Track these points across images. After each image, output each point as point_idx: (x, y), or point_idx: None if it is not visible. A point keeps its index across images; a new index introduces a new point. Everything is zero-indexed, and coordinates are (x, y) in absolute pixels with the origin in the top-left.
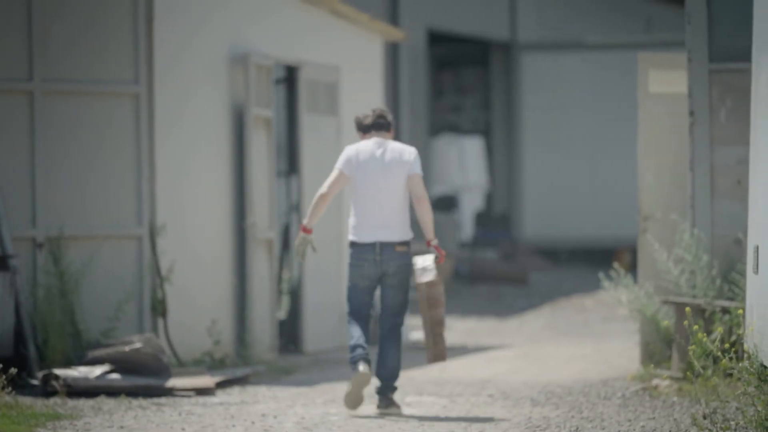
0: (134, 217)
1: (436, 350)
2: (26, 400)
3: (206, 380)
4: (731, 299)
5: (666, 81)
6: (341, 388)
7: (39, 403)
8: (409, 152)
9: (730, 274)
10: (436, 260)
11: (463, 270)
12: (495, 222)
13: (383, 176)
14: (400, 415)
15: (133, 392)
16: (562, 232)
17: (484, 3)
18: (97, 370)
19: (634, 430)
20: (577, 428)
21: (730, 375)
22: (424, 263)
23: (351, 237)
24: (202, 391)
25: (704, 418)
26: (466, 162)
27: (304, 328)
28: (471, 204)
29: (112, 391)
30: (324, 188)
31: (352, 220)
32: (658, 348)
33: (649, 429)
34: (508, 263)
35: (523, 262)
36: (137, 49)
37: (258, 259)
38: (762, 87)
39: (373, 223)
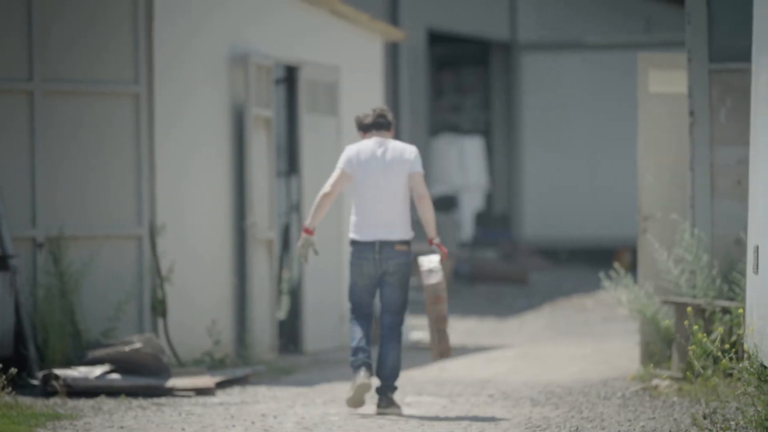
0: (134, 217)
1: (441, 347)
2: (26, 400)
3: (206, 380)
4: (731, 299)
5: (666, 81)
6: (341, 388)
7: (39, 403)
8: (409, 151)
9: (730, 274)
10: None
11: (463, 270)
12: (495, 222)
13: (384, 175)
14: (400, 415)
15: (133, 392)
16: (562, 232)
17: (484, 3)
18: (97, 370)
19: (634, 430)
20: (577, 428)
21: (730, 375)
22: (430, 265)
23: (351, 235)
24: (202, 391)
25: (704, 418)
26: (466, 162)
27: (304, 328)
28: (471, 204)
29: (112, 391)
30: (327, 187)
31: (352, 219)
32: (658, 348)
33: (649, 429)
34: (508, 263)
35: (523, 262)
36: (137, 49)
37: (258, 259)
38: (762, 87)
39: (374, 221)
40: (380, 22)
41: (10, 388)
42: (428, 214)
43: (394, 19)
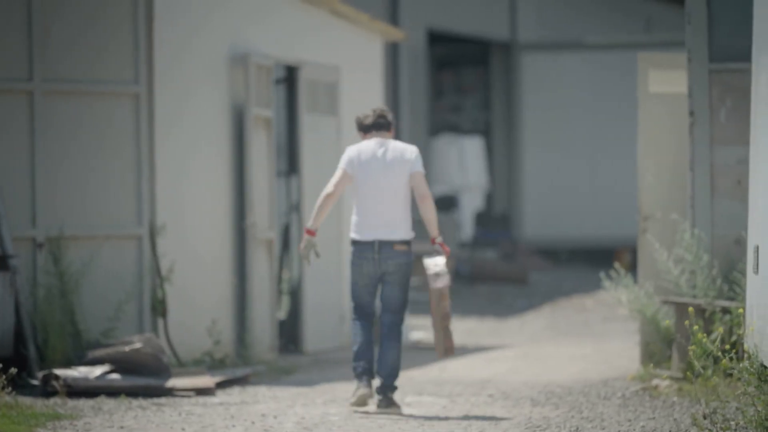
0: (134, 217)
1: (446, 345)
2: (26, 400)
3: (206, 380)
4: (731, 299)
5: (666, 81)
6: (341, 388)
7: (39, 403)
8: (410, 151)
9: (731, 274)
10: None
11: (463, 270)
12: (495, 222)
13: (385, 175)
14: (400, 414)
15: (133, 392)
16: (562, 232)
17: (484, 3)
18: (97, 370)
19: (634, 430)
20: (577, 428)
21: (730, 375)
22: (436, 268)
23: (352, 235)
24: (202, 391)
25: (704, 418)
26: (466, 162)
27: (304, 328)
28: (471, 204)
29: (112, 391)
30: (330, 188)
31: (353, 219)
32: (658, 348)
33: (649, 429)
34: (508, 263)
35: (523, 262)
36: (137, 49)
37: (258, 259)
38: (762, 87)
39: (374, 221)
40: (380, 22)
41: (10, 388)
42: (430, 214)
43: (394, 19)
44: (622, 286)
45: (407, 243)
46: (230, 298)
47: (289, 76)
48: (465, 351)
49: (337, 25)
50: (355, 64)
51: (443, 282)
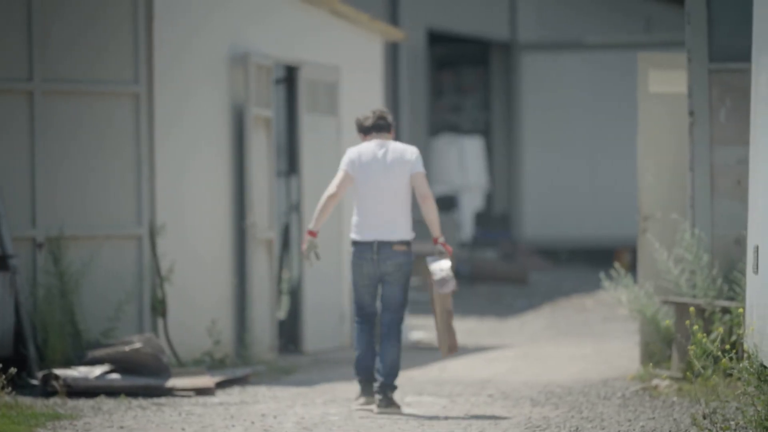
0: (134, 217)
1: (450, 342)
2: (26, 400)
3: (206, 380)
4: (731, 299)
5: (666, 81)
6: (341, 388)
7: (39, 403)
8: (410, 152)
9: (731, 273)
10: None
11: (463, 270)
12: (495, 222)
13: (385, 177)
14: (400, 414)
15: (133, 392)
16: (562, 232)
17: (484, 3)
18: (97, 370)
19: (634, 430)
20: (577, 428)
21: (730, 375)
22: (442, 273)
23: (352, 236)
24: (202, 391)
25: (704, 418)
26: (466, 162)
27: (304, 328)
28: (471, 204)
29: (112, 391)
30: (332, 189)
31: (354, 220)
32: (658, 348)
33: (649, 429)
34: (508, 263)
35: (523, 262)
36: (137, 49)
37: (258, 259)
38: (762, 87)
39: (374, 222)
40: (380, 22)
41: (10, 388)
42: (432, 214)
43: (394, 19)
44: (622, 286)
45: (407, 243)
46: (230, 298)
47: (289, 76)
48: (465, 351)
49: (337, 25)
50: (355, 64)
51: (450, 287)
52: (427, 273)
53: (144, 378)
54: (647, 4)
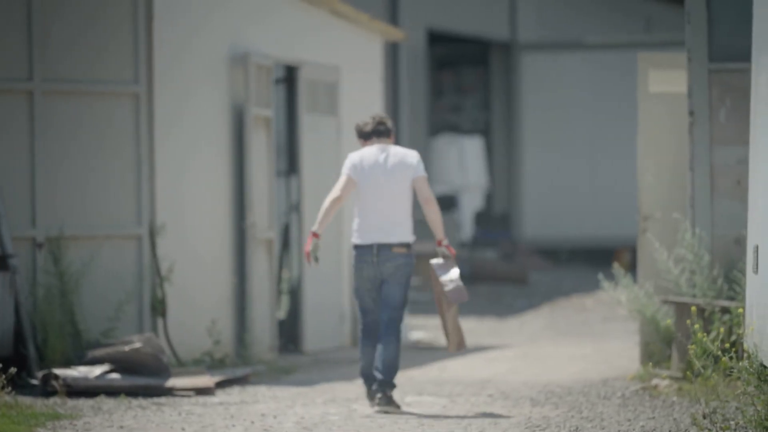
0: (134, 217)
1: (458, 338)
2: (26, 400)
3: (206, 380)
4: (731, 299)
5: (666, 81)
6: (341, 388)
7: (39, 403)
8: (411, 156)
9: (731, 273)
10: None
11: (463, 270)
12: (495, 222)
13: (386, 181)
14: (399, 413)
15: (133, 392)
16: (562, 232)
17: (484, 3)
18: (96, 370)
19: (634, 429)
20: (577, 428)
21: (730, 375)
22: (453, 284)
23: (353, 240)
24: (201, 391)
25: (704, 417)
26: (466, 162)
27: (303, 328)
28: (471, 204)
29: (112, 391)
30: (337, 192)
31: (355, 223)
32: (657, 348)
33: (649, 429)
34: (508, 263)
35: (523, 262)
36: (137, 49)
37: (258, 259)
38: (762, 87)
39: (374, 225)
40: (380, 22)
41: (9, 388)
42: (435, 217)
43: (394, 19)
44: (622, 286)
45: (407, 246)
46: (230, 298)
47: (289, 76)
48: (465, 351)
49: (337, 25)
50: (355, 64)
51: (464, 298)
52: (434, 277)
53: (144, 378)
54: (647, 4)
